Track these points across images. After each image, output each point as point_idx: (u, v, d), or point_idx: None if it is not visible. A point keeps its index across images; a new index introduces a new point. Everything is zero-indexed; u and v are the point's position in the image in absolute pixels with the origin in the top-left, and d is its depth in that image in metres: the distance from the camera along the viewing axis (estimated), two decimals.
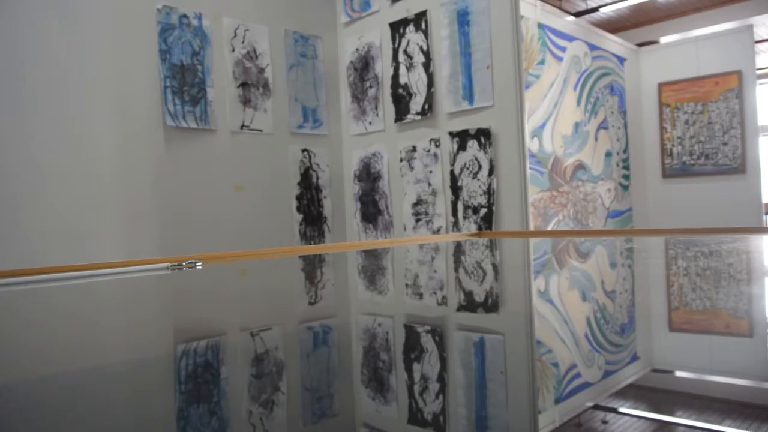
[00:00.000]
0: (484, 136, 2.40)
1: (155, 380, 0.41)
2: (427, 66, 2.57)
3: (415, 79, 2.62)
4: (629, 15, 5.80)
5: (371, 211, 2.82)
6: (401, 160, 2.68)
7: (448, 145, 2.51)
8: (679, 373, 0.39)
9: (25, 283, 0.64)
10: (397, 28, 2.67)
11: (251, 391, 0.36)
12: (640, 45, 4.28)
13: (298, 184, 2.74)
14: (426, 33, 2.56)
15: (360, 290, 0.77)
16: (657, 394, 0.34)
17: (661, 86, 4.10)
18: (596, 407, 0.31)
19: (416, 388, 0.34)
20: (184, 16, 2.31)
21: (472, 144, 2.44)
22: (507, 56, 2.32)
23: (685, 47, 4.12)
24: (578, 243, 1.35)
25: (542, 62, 3.12)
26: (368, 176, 2.82)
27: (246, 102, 2.51)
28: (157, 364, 0.45)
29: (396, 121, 2.69)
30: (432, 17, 2.55)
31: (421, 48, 2.59)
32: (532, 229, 2.53)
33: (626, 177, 3.97)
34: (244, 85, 2.50)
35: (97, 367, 0.44)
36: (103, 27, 2.09)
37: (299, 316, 0.64)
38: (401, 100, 2.67)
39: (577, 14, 5.10)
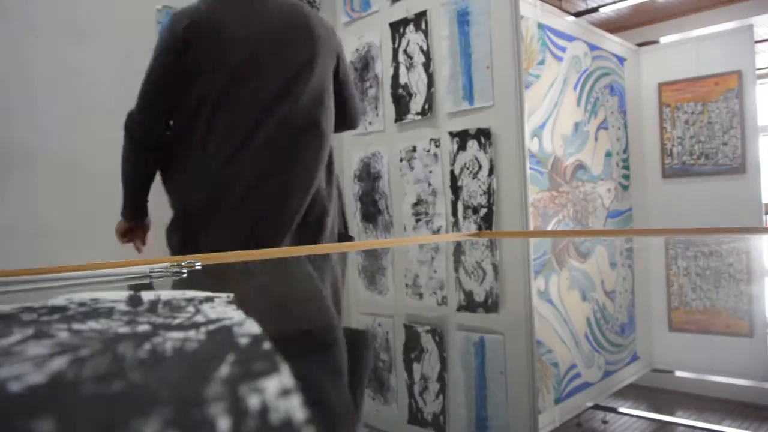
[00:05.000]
0: (484, 136, 2.40)
1: None
2: (427, 66, 2.57)
3: (414, 79, 2.62)
4: (629, 15, 5.80)
5: (371, 211, 2.82)
6: (401, 160, 2.68)
7: (448, 145, 2.51)
8: (679, 373, 0.38)
9: (23, 282, 0.64)
10: (397, 28, 2.67)
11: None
12: (640, 45, 4.28)
13: None
14: (426, 33, 2.56)
15: (358, 290, 0.77)
16: (657, 394, 0.34)
17: (661, 86, 4.10)
18: (596, 407, 0.31)
19: (416, 388, 0.34)
20: None
21: (472, 144, 2.44)
22: (507, 56, 2.32)
23: (685, 47, 4.12)
24: (578, 243, 1.35)
25: (542, 62, 3.12)
26: (368, 176, 2.82)
27: None
28: None
29: (396, 121, 2.69)
30: (432, 17, 2.55)
31: (421, 48, 2.59)
32: (532, 229, 2.53)
33: (626, 177, 3.97)
34: None
35: None
36: (103, 27, 2.09)
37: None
38: (401, 100, 2.67)
39: (577, 14, 5.10)
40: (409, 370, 0.38)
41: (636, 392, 0.34)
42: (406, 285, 0.79)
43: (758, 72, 4.07)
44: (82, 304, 0.46)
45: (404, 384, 0.35)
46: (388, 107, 2.71)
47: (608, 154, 3.74)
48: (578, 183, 3.42)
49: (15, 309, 0.42)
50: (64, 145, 1.99)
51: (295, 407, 0.22)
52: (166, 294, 0.47)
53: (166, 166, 1.34)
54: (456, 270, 0.93)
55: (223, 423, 0.20)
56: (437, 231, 2.56)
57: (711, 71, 3.92)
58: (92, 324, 0.42)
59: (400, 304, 0.66)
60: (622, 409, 0.30)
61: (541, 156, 3.10)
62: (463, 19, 2.44)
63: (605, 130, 3.71)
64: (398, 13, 2.66)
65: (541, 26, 3.11)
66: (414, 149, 2.63)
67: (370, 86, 2.79)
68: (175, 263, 0.71)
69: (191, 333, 0.39)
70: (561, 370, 0.37)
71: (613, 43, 3.88)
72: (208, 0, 1.28)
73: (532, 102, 3.01)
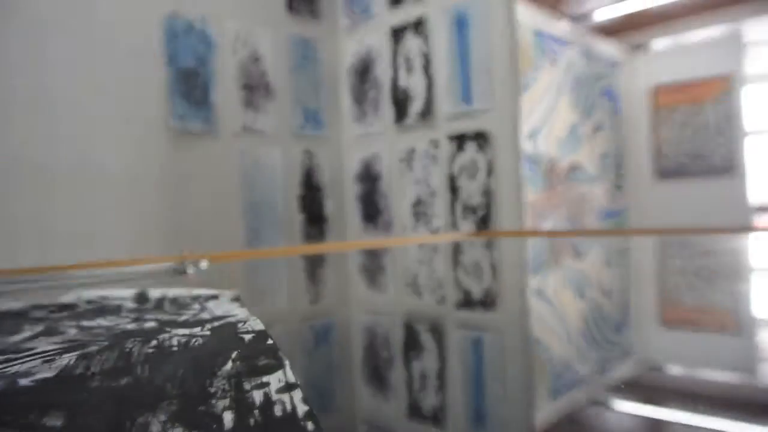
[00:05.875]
0: (481, 138, 2.41)
1: None
2: (426, 70, 2.58)
3: (414, 83, 2.63)
4: (624, 20, 5.83)
5: (371, 211, 2.83)
6: (401, 162, 2.69)
7: (447, 147, 2.53)
8: (675, 371, 0.39)
9: (33, 280, 0.64)
10: (397, 32, 2.69)
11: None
12: (635, 49, 4.31)
13: (300, 184, 2.75)
14: (425, 37, 2.58)
15: (359, 288, 0.77)
16: (653, 391, 0.35)
17: (655, 89, 4.14)
18: (592, 404, 0.32)
19: (415, 385, 0.35)
20: (190, 21, 2.33)
21: (470, 146, 2.45)
22: (504, 60, 2.34)
23: (678, 51, 4.16)
24: (574, 243, 1.36)
25: (538, 67, 3.14)
26: (368, 177, 2.83)
27: (248, 104, 2.52)
28: None
29: (396, 123, 2.70)
30: (431, 22, 2.56)
31: (420, 52, 2.60)
32: (528, 229, 2.55)
33: (620, 178, 4.00)
34: (246, 87, 2.51)
35: None
36: (110, 32, 2.10)
37: (300, 313, 0.65)
38: (401, 102, 2.69)
39: (573, 20, 5.12)
40: (408, 367, 0.39)
41: (631, 389, 0.35)
42: (405, 284, 0.79)
43: (748, 75, 4.10)
44: (90, 302, 0.46)
45: (403, 380, 0.36)
46: (388, 110, 2.73)
47: (603, 156, 3.77)
48: (573, 184, 3.44)
49: (26, 306, 0.43)
50: (69, 147, 1.99)
51: (297, 400, 0.22)
52: (172, 291, 0.47)
53: None
54: (454, 269, 0.94)
55: (228, 416, 0.20)
56: (436, 231, 2.57)
57: (703, 74, 3.96)
58: (101, 321, 0.43)
59: (398, 303, 0.67)
60: (617, 406, 0.31)
61: (537, 158, 3.11)
62: (461, 24, 2.46)
63: (600, 132, 3.74)
64: (398, 17, 2.67)
65: (537, 32, 3.13)
66: (413, 151, 2.64)
67: (370, 89, 2.81)
68: (180, 262, 0.71)
69: (197, 329, 0.40)
70: (558, 368, 0.38)
71: (608, 47, 3.91)
72: None
73: (529, 105, 3.03)
